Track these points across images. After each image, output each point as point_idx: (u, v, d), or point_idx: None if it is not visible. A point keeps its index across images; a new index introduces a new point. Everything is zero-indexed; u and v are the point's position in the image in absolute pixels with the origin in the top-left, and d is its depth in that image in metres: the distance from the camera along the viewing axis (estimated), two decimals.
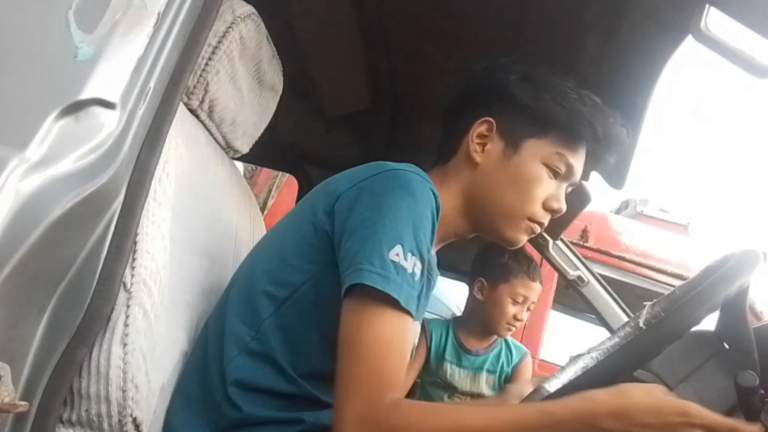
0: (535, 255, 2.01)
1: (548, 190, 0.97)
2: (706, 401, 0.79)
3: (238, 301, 0.88)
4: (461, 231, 1.02)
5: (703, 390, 0.79)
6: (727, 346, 0.84)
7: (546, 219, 0.98)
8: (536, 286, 1.80)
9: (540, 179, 0.96)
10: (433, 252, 1.00)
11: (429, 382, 1.89)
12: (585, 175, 1.53)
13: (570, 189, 1.03)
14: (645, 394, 0.70)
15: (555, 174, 0.97)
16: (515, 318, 1.77)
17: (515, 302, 1.77)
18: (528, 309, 1.81)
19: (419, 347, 1.88)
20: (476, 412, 0.73)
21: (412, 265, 0.78)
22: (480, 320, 1.84)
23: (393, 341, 0.76)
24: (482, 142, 0.97)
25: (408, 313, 0.77)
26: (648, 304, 1.00)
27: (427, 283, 0.92)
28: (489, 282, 1.81)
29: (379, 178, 0.84)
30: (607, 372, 0.77)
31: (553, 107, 0.94)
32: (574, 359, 0.97)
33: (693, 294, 0.79)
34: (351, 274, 0.76)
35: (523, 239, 0.99)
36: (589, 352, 1.02)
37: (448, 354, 1.86)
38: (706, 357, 0.82)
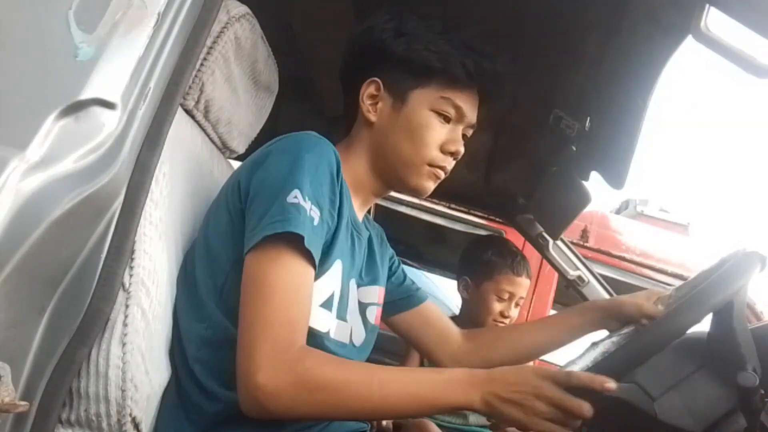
0: (536, 255, 2.01)
1: (442, 135, 1.00)
2: (693, 410, 0.79)
3: (182, 299, 0.90)
4: (377, 190, 1.06)
5: (691, 399, 0.79)
6: (716, 358, 0.83)
7: (447, 163, 1.02)
8: (522, 281, 1.76)
9: (430, 125, 0.99)
10: (359, 216, 1.05)
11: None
12: (585, 175, 1.53)
13: (469, 131, 1.06)
14: (513, 369, 0.79)
15: (445, 118, 1.00)
16: (502, 315, 1.74)
17: (500, 299, 1.74)
18: (516, 305, 1.77)
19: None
20: (379, 366, 0.81)
21: (309, 207, 0.81)
22: (469, 319, 1.80)
23: (295, 282, 0.80)
24: (374, 102, 1.01)
25: (310, 254, 0.81)
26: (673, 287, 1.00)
27: (353, 243, 0.98)
28: (473, 280, 1.79)
29: (276, 145, 0.89)
30: (609, 369, 0.77)
31: (427, 55, 0.98)
32: (594, 345, 0.98)
33: (682, 302, 0.79)
34: (256, 233, 0.80)
35: (429, 185, 1.02)
36: (583, 356, 1.01)
37: None
38: (695, 367, 0.82)
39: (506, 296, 1.74)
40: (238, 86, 1.06)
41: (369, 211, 1.15)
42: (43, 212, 0.57)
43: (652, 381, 0.79)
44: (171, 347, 0.89)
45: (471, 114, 1.03)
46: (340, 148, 0.99)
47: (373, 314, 1.07)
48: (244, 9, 0.99)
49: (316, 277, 0.86)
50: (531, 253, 2.04)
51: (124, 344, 0.73)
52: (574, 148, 1.49)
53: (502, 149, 1.68)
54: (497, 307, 1.74)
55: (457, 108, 1.00)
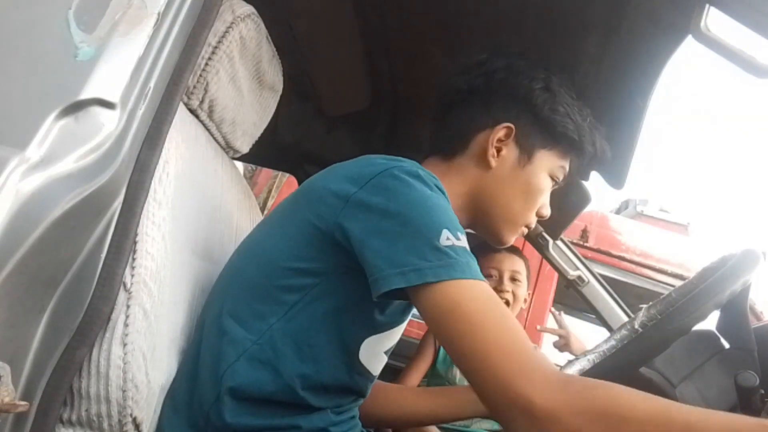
0: (536, 255, 2.01)
1: (545, 199, 1.01)
2: (708, 399, 0.79)
3: (235, 303, 0.83)
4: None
5: (705, 388, 0.80)
6: (727, 345, 0.84)
7: (534, 224, 1.02)
8: (503, 257, 1.80)
9: (545, 191, 0.99)
10: None
11: (436, 386, 1.88)
12: (585, 175, 1.53)
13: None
14: None
15: (554, 184, 1.01)
16: (497, 291, 1.75)
17: (489, 277, 1.77)
18: (513, 280, 1.78)
19: (427, 349, 1.88)
20: (684, 407, 0.61)
21: (465, 240, 0.74)
22: None
23: (496, 309, 0.69)
24: (499, 147, 0.97)
25: (482, 280, 0.72)
26: (644, 306, 1.00)
27: None
28: None
29: (383, 176, 0.77)
30: (603, 375, 0.77)
31: (567, 122, 0.97)
32: (570, 363, 0.97)
33: (689, 297, 0.79)
34: (398, 277, 0.69)
35: (511, 241, 1.02)
36: (585, 354, 1.02)
37: None
38: (708, 356, 0.82)
39: (493, 273, 1.78)
40: (243, 86, 1.06)
41: None
42: (43, 212, 0.57)
43: (672, 369, 0.79)
44: (194, 349, 0.85)
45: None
46: (433, 171, 0.85)
47: None
48: (249, 9, 0.99)
49: (396, 323, 0.83)
50: (531, 253, 2.04)
51: (125, 344, 0.73)
52: None
53: None
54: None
55: (564, 178, 1.02)
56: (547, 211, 1.00)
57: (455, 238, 0.72)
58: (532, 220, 1.00)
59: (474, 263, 0.73)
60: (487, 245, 1.86)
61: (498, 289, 1.78)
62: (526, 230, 1.01)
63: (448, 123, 1.03)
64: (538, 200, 0.98)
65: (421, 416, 1.14)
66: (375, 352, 0.85)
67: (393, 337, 0.88)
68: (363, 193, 0.76)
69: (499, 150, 0.97)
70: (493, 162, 0.96)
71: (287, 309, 0.80)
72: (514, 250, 1.90)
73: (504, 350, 0.64)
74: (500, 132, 0.97)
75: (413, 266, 0.69)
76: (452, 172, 0.98)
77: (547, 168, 0.98)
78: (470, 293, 0.69)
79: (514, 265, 1.82)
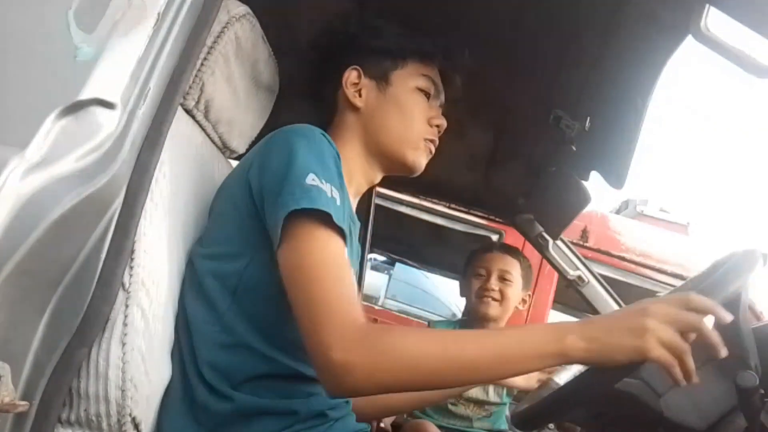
0: (536, 255, 2.01)
1: (428, 110, 1.06)
2: (699, 406, 0.79)
3: (191, 299, 0.89)
4: (370, 175, 1.08)
5: (696, 396, 0.79)
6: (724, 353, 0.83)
7: (435, 136, 1.07)
8: (493, 256, 1.86)
9: (416, 101, 1.05)
10: (353, 206, 1.05)
11: None
12: (585, 175, 1.53)
13: (440, 109, 1.10)
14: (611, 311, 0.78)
15: (426, 95, 1.06)
16: (483, 289, 1.80)
17: (478, 275, 1.84)
18: (502, 280, 1.82)
19: None
20: (455, 332, 0.85)
21: (329, 189, 0.81)
22: (469, 312, 1.93)
23: (340, 261, 0.79)
24: (357, 89, 1.06)
25: (341, 231, 0.80)
26: None
27: (350, 233, 0.96)
28: (463, 279, 1.94)
29: (274, 138, 0.89)
30: (597, 378, 0.77)
31: (400, 39, 1.07)
32: (564, 367, 0.97)
33: None
34: (278, 213, 0.79)
35: (423, 161, 1.07)
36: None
37: None
38: (700, 363, 0.82)
39: (482, 272, 1.84)
40: (239, 86, 1.06)
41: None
42: (43, 212, 0.57)
43: (658, 378, 0.79)
44: (177, 347, 0.88)
45: (442, 91, 1.10)
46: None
47: None
48: (244, 9, 0.99)
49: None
50: (531, 253, 2.04)
51: (123, 344, 0.73)
52: (574, 148, 1.49)
53: (502, 149, 1.68)
54: (476, 283, 1.83)
55: (435, 84, 1.08)
56: (439, 121, 1.06)
57: (320, 182, 0.80)
58: (427, 132, 1.05)
59: (334, 207, 0.79)
60: (483, 247, 1.91)
61: (484, 287, 1.80)
62: (431, 146, 1.06)
63: (319, 103, 1.13)
64: (415, 113, 1.04)
65: (412, 400, 1.20)
66: None
67: None
68: (256, 159, 0.88)
69: (358, 89, 1.06)
70: (358, 102, 1.05)
71: (232, 294, 0.86)
72: (508, 250, 1.91)
73: (320, 305, 0.74)
74: (350, 75, 1.06)
75: (281, 205, 0.79)
76: (338, 131, 1.06)
77: (409, 84, 1.05)
78: (311, 237, 0.77)
79: (504, 264, 1.84)
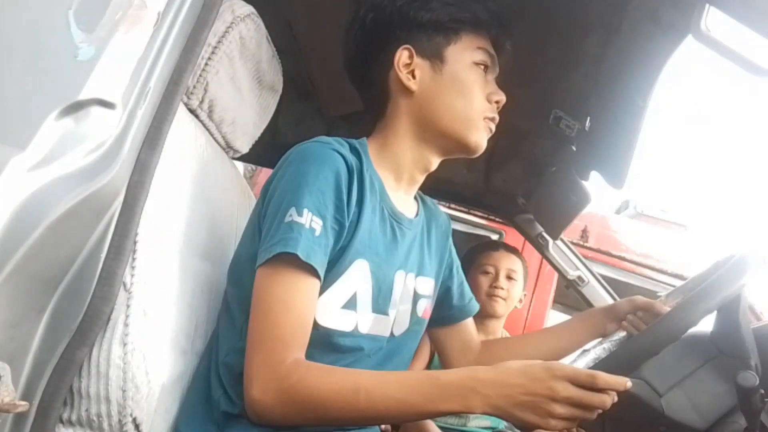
0: (536, 255, 2.01)
1: (487, 86, 1.00)
2: (698, 406, 0.79)
3: (223, 309, 0.95)
4: (425, 163, 1.04)
5: (696, 396, 0.79)
6: (721, 352, 0.83)
7: (495, 113, 1.01)
8: (500, 255, 1.87)
9: (476, 77, 0.99)
10: (405, 202, 1.04)
11: None
12: (585, 175, 1.53)
13: (493, 82, 1.04)
14: (519, 364, 0.77)
15: (485, 68, 1.00)
16: (492, 287, 1.81)
17: (486, 273, 1.84)
18: (509, 278, 1.84)
19: (422, 346, 1.89)
20: (370, 374, 0.84)
21: (308, 220, 0.82)
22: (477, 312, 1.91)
23: (289, 299, 0.82)
24: (409, 70, 0.98)
25: (310, 267, 0.82)
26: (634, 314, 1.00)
27: (393, 235, 0.97)
28: (466, 275, 1.88)
29: (285, 161, 0.90)
30: (614, 367, 0.77)
31: (448, 9, 0.98)
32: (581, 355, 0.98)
33: (678, 305, 0.79)
34: (260, 256, 0.84)
35: (485, 140, 1.01)
36: (575, 360, 1.01)
37: None
38: (700, 362, 0.82)
39: (490, 270, 1.84)
40: (243, 86, 1.05)
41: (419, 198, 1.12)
42: (43, 212, 0.57)
43: (659, 377, 0.79)
44: (208, 347, 0.93)
45: (497, 62, 1.03)
46: (380, 135, 1.01)
47: (422, 307, 1.07)
48: (249, 9, 0.99)
49: (333, 281, 0.88)
50: (531, 253, 2.04)
51: (125, 344, 0.73)
52: (574, 148, 1.49)
53: (502, 149, 1.68)
54: (485, 281, 1.83)
55: (491, 56, 1.01)
56: (498, 96, 1.00)
57: (297, 216, 0.82)
58: (488, 109, 0.99)
59: (306, 241, 0.82)
60: (488, 245, 1.90)
61: (494, 285, 1.82)
62: (491, 124, 1.01)
63: (363, 95, 1.08)
64: (475, 89, 0.98)
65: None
66: (331, 311, 0.90)
67: (343, 290, 0.91)
68: (270, 185, 0.91)
69: (412, 71, 0.98)
70: (413, 86, 0.98)
71: (246, 305, 0.87)
72: (512, 249, 1.92)
73: (261, 343, 0.80)
74: (402, 56, 0.98)
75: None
76: (392, 122, 1.01)
77: (465, 59, 0.98)
78: (274, 277, 0.82)
79: (511, 263, 1.86)
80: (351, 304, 0.92)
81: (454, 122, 0.98)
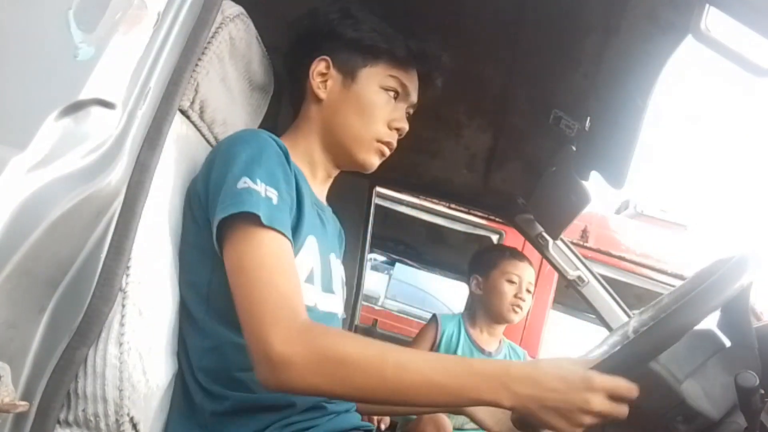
0: (536, 255, 2.01)
1: (390, 112, 1.04)
2: (711, 397, 0.79)
3: (183, 318, 0.91)
4: (329, 167, 1.08)
5: (708, 386, 0.79)
6: (729, 344, 0.84)
7: (393, 139, 1.05)
8: (525, 266, 1.88)
9: (378, 101, 1.03)
10: (322, 193, 1.08)
11: None
12: (585, 175, 1.53)
13: (410, 111, 1.10)
14: (553, 365, 0.76)
15: (393, 96, 1.05)
16: (516, 297, 1.84)
17: (511, 282, 1.85)
18: (528, 291, 1.87)
19: (425, 341, 1.90)
20: (397, 346, 0.78)
21: (263, 189, 0.82)
22: (486, 314, 1.91)
23: (276, 258, 0.80)
24: (323, 80, 1.04)
25: (276, 230, 0.81)
26: (636, 312, 1.00)
27: (321, 220, 1.00)
28: (482, 275, 1.91)
29: (218, 148, 0.92)
30: (613, 368, 0.77)
31: (374, 36, 1.03)
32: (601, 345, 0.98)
33: (681, 303, 0.79)
34: (214, 222, 0.82)
35: (375, 161, 1.06)
36: (591, 351, 1.02)
37: (461, 351, 1.87)
38: (709, 354, 0.82)
39: (515, 279, 1.85)
40: (234, 86, 1.05)
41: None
42: (43, 212, 0.57)
43: (676, 365, 0.79)
44: (177, 352, 0.90)
45: (414, 93, 1.08)
46: (291, 132, 1.06)
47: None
48: (238, 9, 0.98)
49: (294, 255, 0.88)
50: (531, 253, 2.04)
51: (121, 344, 0.73)
52: (574, 148, 1.49)
53: (502, 149, 1.68)
54: (510, 290, 1.84)
55: (403, 86, 1.05)
56: (400, 124, 1.04)
57: (252, 183, 0.81)
58: (383, 133, 1.03)
59: (266, 207, 0.81)
60: (512, 252, 1.90)
61: (518, 296, 1.85)
62: (385, 149, 1.05)
63: (290, 93, 1.12)
64: (376, 113, 1.02)
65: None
66: None
67: (303, 264, 0.91)
68: (203, 168, 0.91)
69: (325, 83, 1.04)
70: (321, 94, 1.04)
71: (205, 302, 0.88)
72: (530, 262, 1.94)
73: (258, 304, 0.76)
74: (318, 65, 1.04)
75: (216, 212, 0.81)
76: (303, 122, 1.07)
77: (375, 82, 1.03)
78: (245, 240, 0.80)
79: (532, 276, 1.91)
80: (310, 278, 0.94)
81: (347, 138, 1.03)
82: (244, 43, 1.03)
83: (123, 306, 0.74)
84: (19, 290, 0.56)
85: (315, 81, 1.04)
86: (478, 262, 1.96)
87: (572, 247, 1.94)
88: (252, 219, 0.80)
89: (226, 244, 0.82)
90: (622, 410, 0.73)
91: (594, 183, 1.51)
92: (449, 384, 0.75)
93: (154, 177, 0.80)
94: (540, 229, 1.89)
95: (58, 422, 0.71)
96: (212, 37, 0.93)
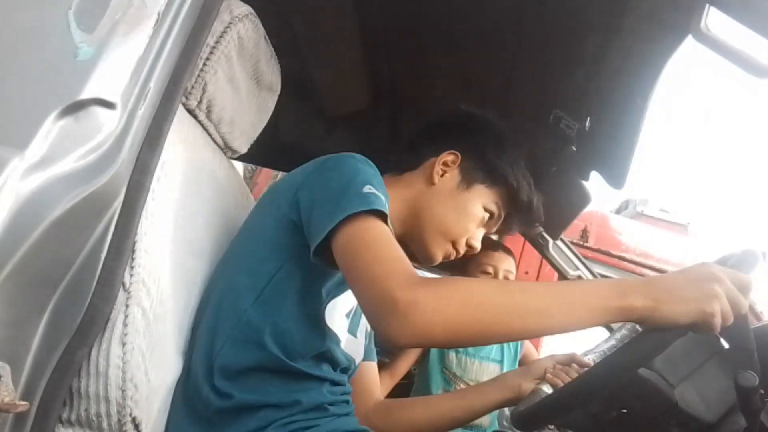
0: (535, 255, 2.01)
1: (475, 228, 1.13)
2: (707, 399, 0.79)
3: (216, 301, 0.93)
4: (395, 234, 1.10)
5: (704, 389, 0.79)
6: (726, 345, 0.84)
7: (462, 252, 1.13)
8: (500, 255, 1.91)
9: (476, 217, 1.12)
10: None
11: (428, 370, 1.89)
12: (585, 175, 1.53)
13: (482, 234, 1.17)
14: (673, 273, 0.76)
15: (489, 218, 1.13)
16: None
17: (485, 273, 1.88)
18: (506, 279, 1.88)
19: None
20: (529, 282, 0.88)
21: (384, 197, 0.86)
22: None
23: (393, 239, 0.82)
24: (444, 169, 1.12)
25: (391, 230, 0.84)
26: None
27: None
28: (461, 270, 1.93)
29: (330, 160, 0.95)
30: (605, 374, 0.77)
31: (508, 170, 1.13)
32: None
33: None
34: (335, 215, 0.82)
35: (439, 259, 1.12)
36: (586, 354, 1.02)
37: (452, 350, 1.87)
38: (707, 356, 0.82)
39: (490, 270, 1.89)
40: (241, 86, 1.05)
41: None
42: (43, 212, 0.57)
43: (670, 369, 0.79)
44: (187, 351, 0.91)
45: (498, 226, 1.18)
46: (386, 181, 1.01)
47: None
48: (247, 9, 0.99)
49: (348, 286, 0.89)
50: (531, 252, 2.04)
51: (124, 344, 0.73)
52: (574, 148, 1.49)
53: None
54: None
55: (499, 217, 1.15)
56: (477, 244, 1.13)
57: (376, 191, 0.85)
58: (460, 243, 1.11)
59: (385, 205, 0.85)
60: (487, 244, 1.92)
61: None
62: (453, 252, 1.12)
63: (410, 148, 1.20)
64: (469, 224, 1.11)
65: (437, 424, 1.17)
66: (336, 315, 0.95)
67: (349, 298, 0.96)
68: (309, 177, 0.94)
69: (444, 172, 1.12)
70: (436, 179, 1.11)
71: (258, 293, 0.91)
72: (509, 251, 1.96)
73: (380, 264, 0.77)
74: (448, 157, 1.12)
75: (336, 211, 0.83)
76: (401, 183, 1.13)
77: (482, 200, 1.12)
78: (368, 225, 0.82)
79: (509, 264, 1.92)
80: (349, 314, 0.97)
81: (433, 228, 1.10)
82: (252, 43, 1.03)
83: (126, 306, 0.74)
84: (19, 290, 0.56)
85: (438, 166, 1.12)
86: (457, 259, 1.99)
87: (572, 247, 1.94)
88: (377, 214, 0.83)
89: (346, 232, 0.82)
90: (742, 298, 0.72)
91: (594, 183, 1.51)
92: (579, 298, 0.74)
93: (160, 176, 0.80)
94: (540, 229, 1.89)
95: (60, 421, 0.72)
96: (221, 36, 0.94)
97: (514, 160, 1.14)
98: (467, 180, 1.11)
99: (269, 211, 0.95)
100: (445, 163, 1.12)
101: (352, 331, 1.01)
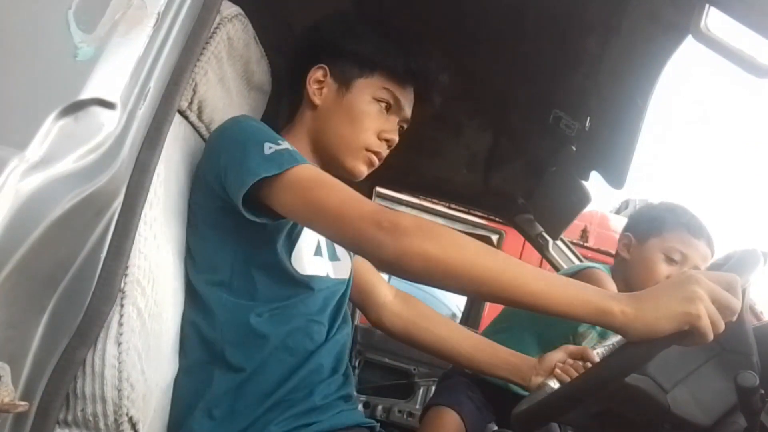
0: (535, 255, 2.02)
1: (381, 123, 1.07)
2: (702, 403, 0.79)
3: (207, 293, 0.93)
4: None
5: (700, 392, 0.79)
6: (724, 348, 0.83)
7: (382, 149, 1.08)
8: (698, 245, 1.43)
9: (370, 112, 1.06)
10: None
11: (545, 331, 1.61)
12: (585, 175, 1.53)
13: (403, 125, 1.13)
14: (652, 288, 0.74)
15: (385, 107, 1.08)
16: None
17: (669, 260, 1.43)
18: None
19: None
20: (492, 250, 0.79)
21: (286, 145, 0.88)
22: (625, 282, 1.50)
23: (327, 179, 0.85)
24: (319, 87, 1.08)
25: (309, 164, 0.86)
26: None
27: None
28: (637, 236, 1.51)
29: (221, 130, 0.95)
30: (613, 370, 0.77)
31: (373, 50, 1.07)
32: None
33: None
34: (242, 184, 0.83)
35: (363, 170, 1.08)
36: (594, 348, 1.02)
37: None
38: (704, 360, 0.82)
39: (677, 257, 1.43)
40: (232, 87, 1.06)
41: None
42: (43, 212, 0.57)
43: (664, 374, 0.79)
44: (181, 350, 0.92)
45: (407, 108, 1.11)
46: (285, 134, 1.07)
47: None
48: (236, 9, 0.98)
49: (302, 228, 0.94)
50: (531, 253, 2.04)
51: (119, 344, 0.73)
52: (574, 148, 1.49)
53: (502, 149, 1.68)
54: (664, 270, 1.43)
55: (396, 99, 1.08)
56: (390, 135, 1.08)
57: (276, 146, 0.86)
58: (372, 143, 1.06)
59: (296, 154, 0.87)
60: (680, 222, 1.67)
61: None
62: (374, 158, 1.08)
63: (289, 99, 1.16)
64: (366, 122, 1.06)
65: (458, 357, 1.22)
66: (305, 259, 0.97)
67: (309, 237, 0.98)
68: (209, 151, 0.95)
69: (321, 90, 1.08)
70: (316, 100, 1.08)
71: (228, 279, 0.93)
72: (710, 243, 1.73)
73: (345, 200, 0.80)
74: (316, 73, 1.08)
75: (253, 175, 0.83)
76: (296, 126, 1.10)
77: (368, 93, 1.06)
78: (307, 175, 0.84)
79: (702, 261, 1.55)
80: (318, 251, 1.00)
81: (337, 145, 1.07)
82: (242, 44, 1.03)
83: (122, 306, 0.74)
84: (19, 290, 0.56)
85: (311, 87, 1.08)
86: (638, 221, 1.65)
87: (572, 247, 1.95)
88: (295, 169, 0.84)
89: (280, 198, 0.84)
90: (729, 298, 0.70)
91: (594, 183, 1.51)
92: (559, 278, 0.76)
93: (154, 177, 0.80)
94: (540, 229, 1.90)
95: (57, 422, 0.71)
96: (210, 37, 0.93)
97: (375, 38, 1.08)
98: (343, 82, 1.07)
99: (203, 204, 0.95)
100: (317, 81, 1.08)
101: (333, 256, 1.05)
